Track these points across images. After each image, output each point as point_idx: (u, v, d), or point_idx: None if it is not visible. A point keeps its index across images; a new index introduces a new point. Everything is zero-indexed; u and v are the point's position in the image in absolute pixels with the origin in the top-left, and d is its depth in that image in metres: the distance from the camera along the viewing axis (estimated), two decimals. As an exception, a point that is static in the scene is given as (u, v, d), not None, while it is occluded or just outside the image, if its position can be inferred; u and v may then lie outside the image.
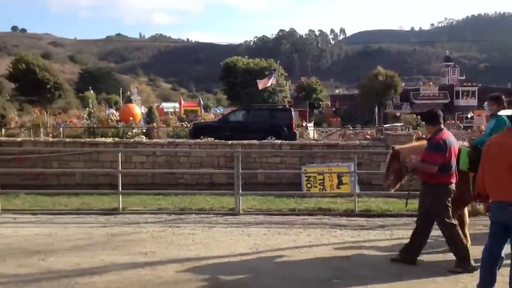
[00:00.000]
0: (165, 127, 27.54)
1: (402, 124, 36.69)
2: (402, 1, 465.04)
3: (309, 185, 12.17)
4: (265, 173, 12.29)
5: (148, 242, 7.01)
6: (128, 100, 43.64)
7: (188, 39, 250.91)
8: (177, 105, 54.88)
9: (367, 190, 11.07)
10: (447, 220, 5.77)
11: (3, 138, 13.48)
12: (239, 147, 10.77)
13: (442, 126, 5.95)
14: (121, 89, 61.59)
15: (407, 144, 7.30)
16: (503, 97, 6.84)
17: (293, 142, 14.75)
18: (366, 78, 64.20)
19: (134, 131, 25.61)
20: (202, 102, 49.20)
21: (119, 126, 24.78)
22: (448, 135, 5.92)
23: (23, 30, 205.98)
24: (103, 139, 13.59)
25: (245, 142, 12.86)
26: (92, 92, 64.22)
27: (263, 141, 13.82)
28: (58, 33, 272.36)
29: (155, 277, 5.52)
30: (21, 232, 7.56)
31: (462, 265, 5.63)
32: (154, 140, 14.87)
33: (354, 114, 61.19)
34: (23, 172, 11.30)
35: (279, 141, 13.73)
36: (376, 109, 51.42)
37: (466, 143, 7.66)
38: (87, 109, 47.68)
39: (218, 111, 55.54)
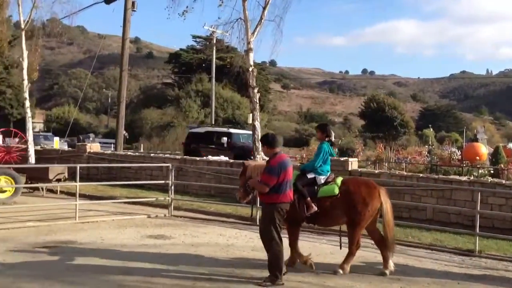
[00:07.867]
0: (513, 169, 24.95)
1: None
2: None
3: None
4: None
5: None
6: (474, 139, 41.70)
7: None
8: (528, 146, 48.97)
9: None
10: (274, 239, 6.15)
11: (361, 169, 14.86)
12: None
13: (277, 150, 6.39)
14: (464, 127, 59.56)
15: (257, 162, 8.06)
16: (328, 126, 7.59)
17: None
18: None
19: (480, 171, 24.24)
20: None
21: (463, 165, 23.95)
22: (283, 157, 6.36)
23: (372, 73, 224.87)
24: (457, 177, 13.34)
25: None
26: (431, 129, 64.59)
27: None
28: (402, 74, 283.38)
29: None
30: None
31: (272, 280, 6.06)
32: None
33: None
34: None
35: None
36: None
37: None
38: (427, 146, 48.14)
39: None
